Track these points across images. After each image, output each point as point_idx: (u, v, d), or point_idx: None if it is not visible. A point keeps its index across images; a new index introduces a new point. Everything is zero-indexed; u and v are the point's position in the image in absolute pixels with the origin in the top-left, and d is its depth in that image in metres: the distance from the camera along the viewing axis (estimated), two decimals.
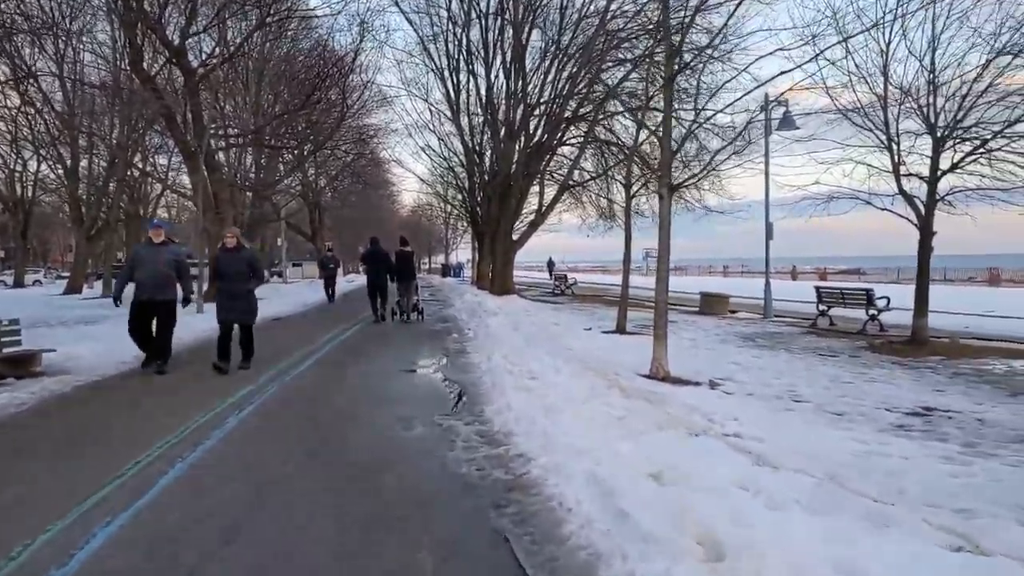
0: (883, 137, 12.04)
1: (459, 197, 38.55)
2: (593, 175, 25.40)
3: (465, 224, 56.44)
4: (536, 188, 27.11)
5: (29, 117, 32.08)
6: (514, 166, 24.36)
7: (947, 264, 41.67)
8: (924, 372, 9.52)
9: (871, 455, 5.20)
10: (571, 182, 25.26)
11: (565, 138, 25.42)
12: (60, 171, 37.28)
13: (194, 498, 4.07)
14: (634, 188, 25.60)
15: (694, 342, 12.98)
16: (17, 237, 43.75)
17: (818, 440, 5.48)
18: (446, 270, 71.80)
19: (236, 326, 9.16)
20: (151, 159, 41.10)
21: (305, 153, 29.73)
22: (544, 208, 24.60)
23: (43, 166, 38.71)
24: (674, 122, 11.56)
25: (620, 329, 14.15)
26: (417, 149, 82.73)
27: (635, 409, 5.49)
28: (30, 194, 40.61)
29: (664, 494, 3.50)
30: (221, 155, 37.96)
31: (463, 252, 73.86)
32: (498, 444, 5.05)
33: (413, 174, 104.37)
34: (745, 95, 9.92)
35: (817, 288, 16.33)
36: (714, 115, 10.54)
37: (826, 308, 16.02)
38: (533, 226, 24.99)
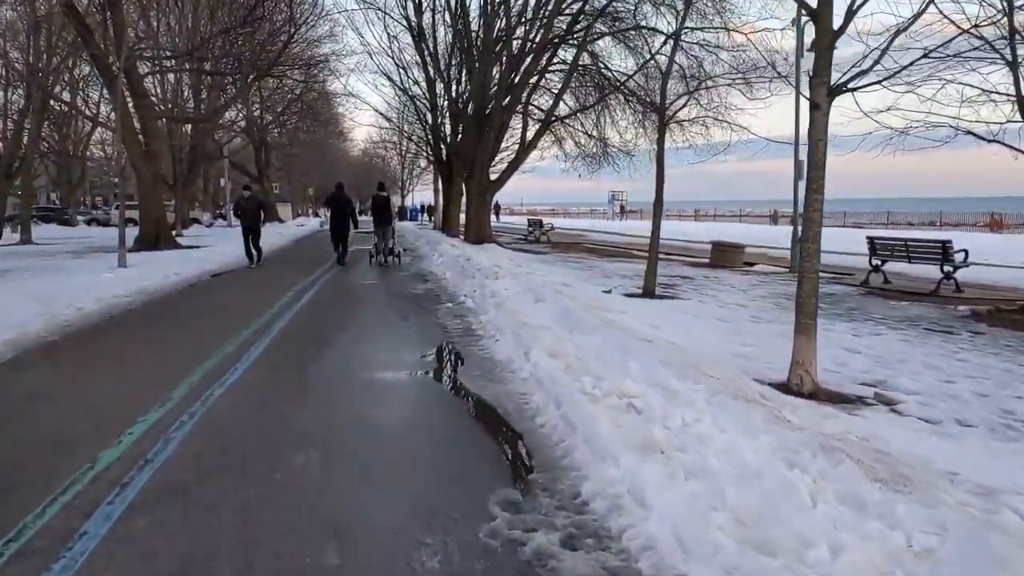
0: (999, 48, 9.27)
1: (420, 132, 34.95)
2: (584, 106, 22.24)
3: (424, 163, 52.78)
4: (516, 123, 23.95)
5: None
6: (492, 91, 21.07)
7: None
8: None
9: None
10: (555, 116, 22.14)
11: (551, 65, 22.17)
12: None
13: None
14: (628, 121, 22.79)
15: (743, 309, 10.35)
16: None
17: None
18: (402, 213, 68.04)
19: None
20: (81, 92, 36.47)
21: (248, 80, 25.76)
22: (528, 143, 21.44)
23: None
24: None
25: (648, 291, 11.42)
26: (373, 81, 76.97)
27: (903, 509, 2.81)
28: None
29: None
30: (153, 83, 33.68)
31: (419, 194, 69.96)
32: None
33: (369, 106, 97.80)
34: None
35: (871, 239, 13.78)
36: None
37: (880, 262, 13.53)
38: (513, 165, 21.88)
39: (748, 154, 20.39)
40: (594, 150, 24.04)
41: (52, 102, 30.58)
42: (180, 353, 6.69)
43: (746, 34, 12.48)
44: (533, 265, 15.73)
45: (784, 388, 5.17)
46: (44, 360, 6.62)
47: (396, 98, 32.59)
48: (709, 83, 10.88)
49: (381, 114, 37.37)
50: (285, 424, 4.53)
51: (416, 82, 29.29)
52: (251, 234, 16.81)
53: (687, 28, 14.20)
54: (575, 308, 7.24)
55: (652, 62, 17.88)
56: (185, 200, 41.44)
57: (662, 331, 7.24)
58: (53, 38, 27.33)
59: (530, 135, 21.79)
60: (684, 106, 10.99)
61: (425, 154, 39.75)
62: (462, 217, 28.45)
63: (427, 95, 27.99)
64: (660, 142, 11.10)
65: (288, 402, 5.03)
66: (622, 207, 54.19)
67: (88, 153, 51.86)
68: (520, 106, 21.84)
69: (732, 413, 3.91)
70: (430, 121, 31.72)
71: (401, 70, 28.68)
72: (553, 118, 22.12)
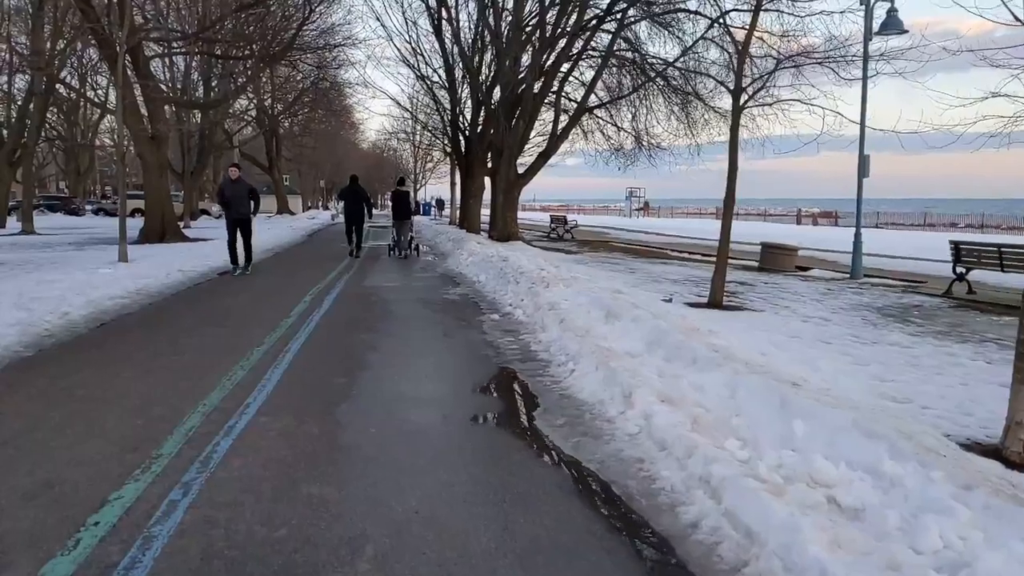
0: None
1: (437, 122, 33.55)
2: (619, 95, 20.73)
3: (438, 156, 51.31)
4: (542, 116, 22.44)
5: None
6: (522, 73, 19.58)
7: None
8: None
9: None
10: (589, 105, 20.64)
11: (585, 52, 20.65)
12: None
13: None
14: (664, 112, 21.31)
15: (831, 325, 8.91)
16: None
17: None
18: (416, 207, 66.62)
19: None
20: (89, 78, 35.24)
21: (260, 64, 24.36)
22: (560, 132, 19.95)
23: None
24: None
25: (715, 301, 9.99)
26: (389, 68, 75.04)
27: None
28: None
29: None
30: (162, 67, 32.41)
31: (431, 188, 68.39)
32: None
33: (385, 94, 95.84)
34: None
35: (956, 244, 12.28)
36: None
37: (964, 270, 12.05)
38: (543, 156, 20.37)
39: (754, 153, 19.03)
40: (625, 143, 22.64)
41: (59, 87, 29.40)
42: (176, 382, 5.31)
43: (802, 16, 11.05)
44: (571, 267, 14.33)
45: (995, 455, 3.75)
46: None
47: (412, 86, 31.20)
48: (789, 63, 9.40)
49: (396, 102, 36.03)
50: (313, 522, 3.13)
51: (435, 69, 27.93)
52: (240, 228, 13.32)
53: (737, 9, 12.77)
54: (668, 328, 5.81)
55: (699, 46, 16.51)
56: (194, 191, 40.27)
57: (772, 358, 5.82)
58: (59, 22, 26.14)
59: (561, 126, 20.28)
60: (763, 87, 9.50)
61: (442, 145, 38.35)
62: (483, 212, 27.05)
63: (446, 82, 26.62)
64: (734, 129, 9.64)
65: (315, 475, 3.62)
66: (646, 204, 52.56)
67: (97, 141, 50.83)
68: (552, 93, 20.34)
69: (1014, 525, 2.49)
70: (449, 110, 30.35)
71: (419, 56, 27.32)
72: (588, 106, 20.62)
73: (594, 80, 20.21)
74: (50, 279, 11.01)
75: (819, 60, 9.33)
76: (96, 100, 33.85)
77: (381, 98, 78.95)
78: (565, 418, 4.49)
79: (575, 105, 20.96)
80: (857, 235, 15.21)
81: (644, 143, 21.69)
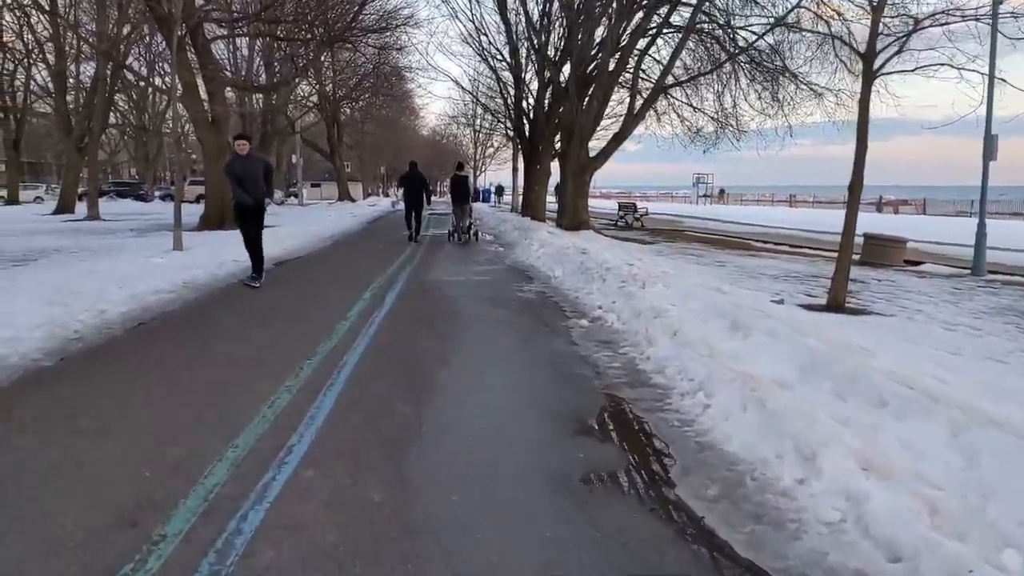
0: None
1: (500, 106, 32.44)
2: (699, 72, 19.09)
3: (499, 142, 50.12)
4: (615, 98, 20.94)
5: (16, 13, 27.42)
6: (595, 49, 18.17)
7: None
8: None
9: None
10: (666, 83, 19.05)
11: (664, 29, 19.08)
12: (45, 73, 32.46)
13: None
14: (746, 91, 19.56)
15: (983, 335, 7.35)
16: (9, 148, 38.58)
17: None
18: (475, 194, 65.60)
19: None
20: (157, 67, 35.35)
21: (322, 43, 23.52)
22: (636, 111, 18.43)
23: (34, 70, 33.35)
24: None
25: (837, 303, 8.52)
26: (451, 48, 74.25)
27: None
28: (22, 101, 35.05)
29: None
30: (227, 51, 32.12)
31: (491, 174, 67.20)
32: None
33: (448, 76, 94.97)
34: None
35: None
36: None
37: None
38: (618, 137, 18.87)
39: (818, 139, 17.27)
40: (703, 125, 21.00)
41: (126, 74, 29.38)
42: (204, 410, 4.26)
43: None
44: (654, 260, 12.97)
45: None
46: None
47: (475, 68, 30.22)
48: (936, 21, 7.81)
49: (458, 83, 35.09)
50: None
51: (499, 48, 26.75)
52: (250, 222, 9.71)
53: None
54: (819, 347, 4.48)
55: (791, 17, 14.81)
56: None
57: (952, 387, 4.42)
58: (124, 5, 25.93)
59: (638, 105, 18.76)
60: (900, 51, 7.93)
61: (504, 129, 37.16)
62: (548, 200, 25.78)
63: (510, 61, 25.45)
64: (863, 102, 8.11)
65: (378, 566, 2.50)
66: (722, 191, 50.29)
67: (165, 128, 51.42)
68: (628, 71, 18.85)
69: None
70: (513, 92, 29.16)
71: (483, 35, 26.17)
72: (666, 85, 19.05)
73: (674, 55, 18.64)
74: (98, 270, 10.30)
75: (974, 17, 7.69)
76: (163, 87, 33.91)
77: (443, 80, 78.30)
78: (718, 486, 3.22)
79: (650, 85, 19.45)
80: (981, 226, 13.36)
81: (726, 124, 20.06)
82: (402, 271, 11.51)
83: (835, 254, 15.84)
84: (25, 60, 33.12)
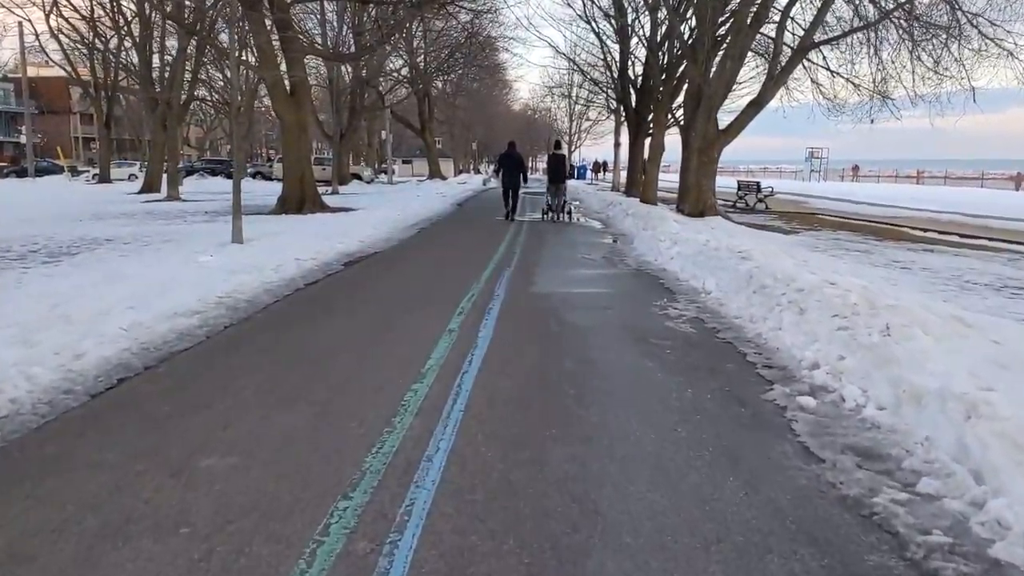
0: None
1: (602, 72, 29.58)
2: (855, 27, 15.52)
3: (595, 115, 46.93)
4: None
5: None
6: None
7: None
8: None
9: None
10: (815, 39, 15.63)
11: None
12: (130, 46, 31.77)
13: None
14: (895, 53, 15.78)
15: None
16: (100, 126, 38.57)
17: None
18: (571, 170, 62.48)
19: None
20: (248, 41, 34.24)
21: (412, 3, 21.15)
22: (777, 75, 15.15)
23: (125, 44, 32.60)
24: None
25: None
26: (547, 16, 70.61)
27: None
28: (112, 77, 34.55)
29: None
30: (311, 22, 30.55)
31: (586, 150, 63.83)
32: None
33: (547, 41, 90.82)
34: None
35: None
36: None
37: None
38: (754, 105, 15.63)
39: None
40: (842, 93, 17.45)
41: (209, 49, 28.15)
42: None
43: None
44: (828, 262, 9.93)
45: None
46: None
47: (575, 34, 27.72)
48: None
49: (556, 49, 32.59)
50: None
51: (602, 7, 23.88)
52: None
53: None
54: None
55: None
56: (344, 153, 38.77)
57: None
58: None
59: (780, 66, 15.45)
60: None
61: (606, 100, 34.12)
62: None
63: (615, 17, 22.63)
64: None
65: None
66: (855, 167, 45.28)
67: (256, 104, 50.84)
68: (772, 23, 15.57)
69: None
70: (618, 57, 26.22)
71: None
72: (808, 44, 15.67)
73: (823, 8, 15.27)
74: (126, 273, 8.34)
75: None
76: (252, 63, 32.69)
77: (539, 47, 74.81)
78: None
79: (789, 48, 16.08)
80: None
81: (875, 92, 16.51)
82: (499, 276, 8.99)
83: (1014, 244, 12.25)
84: (115, 36, 32.44)
